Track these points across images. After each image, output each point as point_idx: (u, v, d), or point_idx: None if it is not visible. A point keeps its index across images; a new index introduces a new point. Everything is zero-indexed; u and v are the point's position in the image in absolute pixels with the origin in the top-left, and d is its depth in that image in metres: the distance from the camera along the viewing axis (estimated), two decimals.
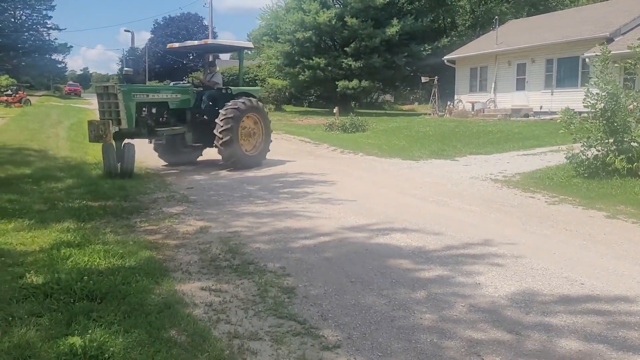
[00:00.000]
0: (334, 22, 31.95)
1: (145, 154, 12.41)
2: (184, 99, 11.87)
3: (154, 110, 11.39)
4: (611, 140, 9.78)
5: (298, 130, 22.12)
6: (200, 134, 11.96)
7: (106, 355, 3.24)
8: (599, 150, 9.93)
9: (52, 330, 3.57)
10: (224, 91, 12.37)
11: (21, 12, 63.47)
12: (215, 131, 11.33)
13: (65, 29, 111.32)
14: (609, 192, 8.71)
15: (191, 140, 12.03)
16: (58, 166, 11.42)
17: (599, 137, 9.79)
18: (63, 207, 7.41)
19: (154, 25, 78.34)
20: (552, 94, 24.07)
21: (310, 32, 32.48)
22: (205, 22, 71.06)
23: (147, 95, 11.18)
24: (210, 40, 14.22)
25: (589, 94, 9.90)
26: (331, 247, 5.86)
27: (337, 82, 32.93)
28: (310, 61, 32.65)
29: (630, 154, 9.54)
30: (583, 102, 10.02)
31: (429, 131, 19.46)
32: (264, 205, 8.08)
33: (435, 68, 32.26)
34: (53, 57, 66.00)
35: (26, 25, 64.07)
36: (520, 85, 26.06)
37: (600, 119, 9.83)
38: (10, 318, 3.73)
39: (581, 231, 6.62)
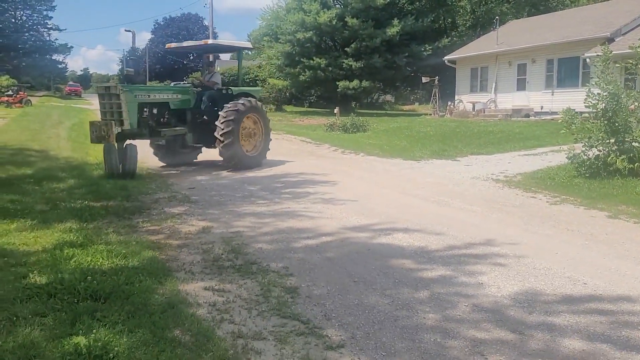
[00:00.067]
0: (334, 23, 31.97)
1: (146, 154, 12.42)
2: (185, 99, 11.88)
3: (155, 111, 11.39)
4: (612, 141, 9.78)
5: (299, 131, 22.12)
6: (201, 134, 11.94)
7: (111, 354, 3.25)
8: (600, 151, 9.93)
9: (57, 330, 3.58)
10: (224, 91, 12.37)
11: (22, 12, 63.62)
12: (216, 134, 11.31)
13: (65, 29, 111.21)
14: (610, 192, 8.71)
15: (192, 140, 12.02)
16: (59, 166, 11.42)
17: (600, 137, 9.79)
18: (65, 207, 7.42)
19: (154, 25, 78.47)
20: (552, 94, 24.08)
21: (311, 32, 32.50)
22: (206, 23, 71.19)
23: (149, 96, 11.19)
24: (210, 41, 14.21)
25: (590, 94, 9.90)
26: (333, 247, 5.87)
27: (337, 83, 32.94)
28: (311, 61, 32.67)
29: (631, 154, 9.55)
30: (584, 102, 10.03)
31: (430, 131, 19.47)
32: (265, 206, 8.09)
33: (436, 68, 32.28)
34: (53, 57, 66.17)
35: (27, 25, 64.17)
36: (521, 85, 26.07)
37: (602, 119, 9.83)
38: (14, 318, 3.74)
39: (583, 231, 6.63)
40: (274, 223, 6.96)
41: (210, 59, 13.52)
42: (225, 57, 45.05)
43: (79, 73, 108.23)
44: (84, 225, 6.44)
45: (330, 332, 3.80)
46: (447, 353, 3.52)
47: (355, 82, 32.42)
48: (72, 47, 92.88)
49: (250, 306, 4.22)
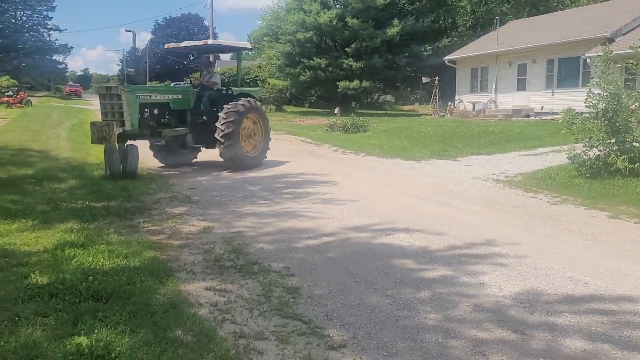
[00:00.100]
0: (334, 23, 31.96)
1: (146, 155, 12.41)
2: (185, 99, 11.87)
3: (155, 111, 11.38)
4: (613, 141, 9.79)
5: (299, 131, 22.13)
6: (201, 135, 11.92)
7: (113, 355, 3.25)
8: (600, 151, 9.94)
9: (59, 330, 3.58)
10: (224, 92, 12.36)
11: (22, 13, 63.63)
12: (216, 135, 11.30)
13: (65, 29, 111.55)
14: (611, 192, 8.72)
15: (192, 141, 12.01)
16: (60, 167, 11.42)
17: (601, 137, 9.80)
18: (66, 207, 7.42)
19: (154, 26, 78.58)
20: (553, 95, 24.08)
21: (311, 32, 32.49)
22: (206, 23, 71.19)
23: (150, 96, 11.17)
24: (210, 41, 14.20)
25: (591, 94, 9.91)
26: (334, 247, 5.87)
27: (337, 83, 32.94)
28: (311, 62, 32.66)
29: (632, 154, 9.55)
30: (585, 102, 10.04)
31: (430, 131, 19.47)
32: (266, 206, 8.09)
33: (436, 68, 32.28)
34: (53, 57, 66.14)
35: (27, 26, 64.18)
36: (521, 85, 26.07)
37: (602, 119, 9.84)
38: (16, 318, 3.74)
39: (584, 231, 6.63)
40: (275, 223, 6.96)
41: (211, 60, 13.50)
42: (225, 57, 45.06)
43: (79, 73, 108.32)
44: (85, 225, 6.44)
45: (331, 332, 3.80)
46: (449, 353, 3.52)
47: (356, 83, 32.42)
48: (72, 47, 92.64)
49: (252, 306, 4.22)
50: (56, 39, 76.35)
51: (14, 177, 9.90)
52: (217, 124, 11.28)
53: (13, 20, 62.84)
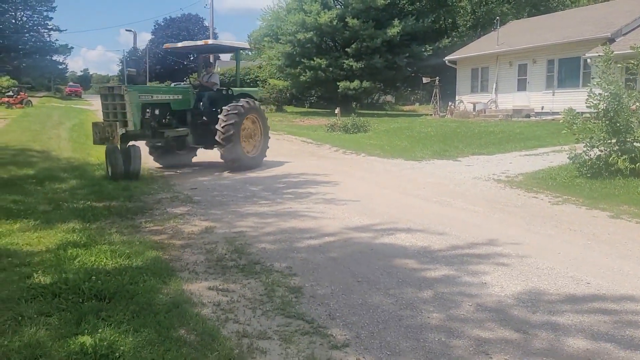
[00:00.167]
0: (335, 23, 31.98)
1: (144, 155, 12.37)
2: (185, 100, 11.87)
3: (157, 112, 11.37)
4: (614, 141, 9.79)
5: (300, 131, 22.13)
6: (201, 135, 11.91)
7: (117, 354, 3.26)
8: (601, 151, 9.94)
9: (62, 329, 3.59)
10: (224, 92, 12.36)
11: (22, 13, 63.57)
12: (217, 138, 11.28)
13: (66, 30, 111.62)
14: (612, 192, 8.72)
15: (193, 141, 12.00)
16: (61, 167, 11.43)
17: (602, 138, 9.80)
18: (68, 207, 7.43)
19: (154, 26, 78.64)
20: (553, 95, 24.09)
21: (312, 32, 32.50)
22: (206, 23, 71.24)
23: (152, 96, 11.16)
24: (210, 41, 14.20)
25: (591, 94, 9.92)
26: (336, 247, 5.88)
27: (338, 83, 32.95)
28: (312, 62, 32.68)
29: (633, 154, 9.56)
30: (586, 102, 10.04)
31: (431, 132, 19.48)
32: (268, 206, 8.10)
33: (437, 69, 32.29)
34: (54, 58, 66.03)
35: (27, 26, 64.13)
36: (522, 85, 26.07)
37: (603, 119, 9.84)
38: (19, 317, 3.75)
39: (585, 231, 6.64)
40: (277, 223, 6.97)
41: (211, 60, 13.48)
42: (225, 57, 45.07)
43: (79, 74, 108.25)
44: (87, 225, 6.45)
45: (334, 331, 3.81)
46: (452, 352, 3.53)
47: (356, 83, 32.44)
48: (72, 47, 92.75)
49: (255, 306, 4.23)
50: (56, 40, 76.36)
51: (15, 177, 9.91)
52: (217, 127, 11.26)
53: (13, 21, 62.82)
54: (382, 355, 3.49)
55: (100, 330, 3.53)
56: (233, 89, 12.47)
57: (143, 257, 5.21)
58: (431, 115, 29.54)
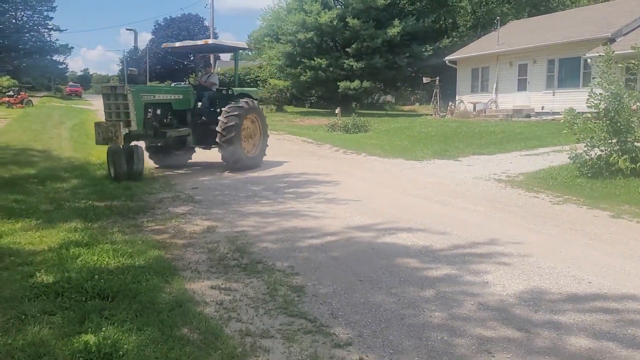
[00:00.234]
0: (335, 23, 31.99)
1: (146, 155, 12.38)
2: (186, 99, 11.87)
3: (158, 112, 11.37)
4: (614, 140, 9.80)
5: (300, 131, 22.14)
6: (202, 135, 11.90)
7: (120, 352, 3.27)
8: (602, 150, 9.95)
9: (66, 328, 3.60)
10: (224, 92, 12.36)
11: (22, 13, 63.52)
12: (217, 139, 11.28)
13: (66, 29, 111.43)
14: (612, 192, 8.73)
15: (194, 141, 12.00)
16: (62, 166, 11.44)
17: (603, 137, 9.81)
18: (69, 207, 7.44)
19: (154, 26, 78.59)
20: (553, 95, 24.09)
21: (312, 32, 32.52)
22: (206, 23, 71.15)
23: (154, 96, 11.15)
24: (210, 41, 14.21)
25: (592, 94, 9.93)
26: (338, 247, 5.89)
27: (338, 83, 32.96)
28: (312, 62, 32.69)
29: (633, 154, 9.56)
30: (587, 102, 10.05)
31: (431, 132, 19.49)
32: (269, 205, 8.11)
33: (437, 69, 32.30)
34: (54, 58, 66.05)
35: (27, 26, 64.10)
36: (522, 85, 26.08)
37: (604, 119, 9.85)
38: (23, 316, 3.76)
39: (586, 230, 6.65)
40: (278, 222, 6.98)
41: (211, 60, 13.48)
42: (225, 57, 45.08)
43: (79, 73, 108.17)
44: (89, 224, 6.46)
45: (337, 330, 3.82)
46: (454, 351, 3.54)
47: (356, 83, 32.44)
48: (72, 47, 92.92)
49: (257, 305, 4.24)
50: (56, 39, 76.50)
51: (17, 176, 9.92)
52: (217, 128, 11.25)
53: (14, 21, 62.80)
54: (385, 354, 3.50)
55: (103, 328, 3.54)
56: (233, 88, 12.48)
57: (145, 256, 5.22)
58: (431, 115, 29.55)
